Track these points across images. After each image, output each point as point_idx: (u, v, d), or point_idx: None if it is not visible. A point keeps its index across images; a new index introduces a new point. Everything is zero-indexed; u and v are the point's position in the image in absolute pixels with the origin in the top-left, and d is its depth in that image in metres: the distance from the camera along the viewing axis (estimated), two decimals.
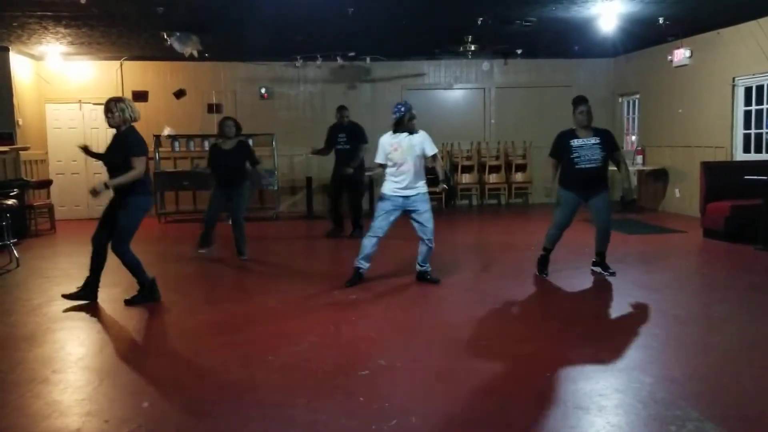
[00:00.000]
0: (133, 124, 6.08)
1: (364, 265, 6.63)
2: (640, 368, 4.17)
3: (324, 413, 3.57)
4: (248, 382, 4.07)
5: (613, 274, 6.79)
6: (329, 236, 9.90)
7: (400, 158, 6.42)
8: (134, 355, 4.67)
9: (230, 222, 8.22)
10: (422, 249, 6.62)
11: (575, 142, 6.61)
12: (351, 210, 9.92)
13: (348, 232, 9.86)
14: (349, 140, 9.66)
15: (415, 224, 6.54)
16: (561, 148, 6.70)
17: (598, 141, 6.60)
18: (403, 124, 6.45)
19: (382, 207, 6.53)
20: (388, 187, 6.50)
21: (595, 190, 6.62)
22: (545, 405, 3.68)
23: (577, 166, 6.55)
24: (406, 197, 6.46)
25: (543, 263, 6.90)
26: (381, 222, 6.50)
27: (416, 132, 6.50)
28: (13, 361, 4.55)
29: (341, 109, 9.86)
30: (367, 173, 9.67)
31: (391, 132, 6.52)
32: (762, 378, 4.04)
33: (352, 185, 9.83)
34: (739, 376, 4.05)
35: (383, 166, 6.55)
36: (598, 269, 6.90)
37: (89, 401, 3.81)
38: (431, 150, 6.51)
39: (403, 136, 6.45)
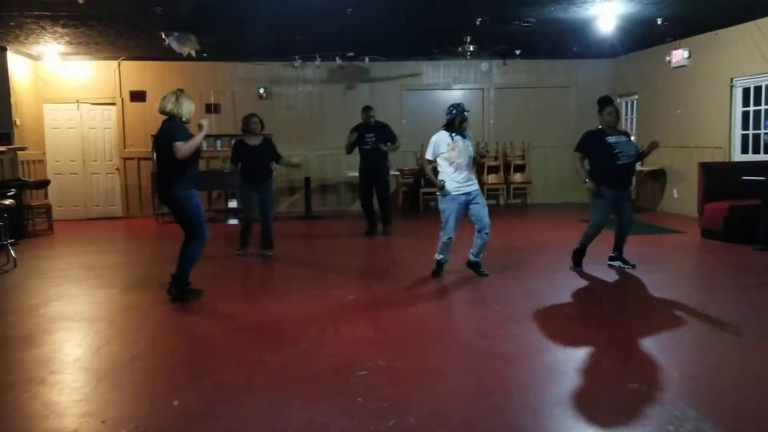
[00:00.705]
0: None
1: (445, 257, 6.87)
2: (638, 368, 4.17)
3: (322, 413, 3.56)
4: (246, 382, 4.06)
5: (633, 266, 7.05)
6: (367, 234, 9.97)
7: (457, 158, 6.63)
8: (132, 356, 4.66)
9: (260, 218, 8.31)
10: (477, 242, 6.79)
11: (612, 139, 6.82)
12: (381, 208, 9.97)
13: (379, 229, 9.98)
14: (377, 139, 9.71)
15: (473, 217, 6.74)
16: (593, 146, 6.87)
17: (629, 139, 6.99)
18: (454, 125, 6.68)
19: (449, 208, 6.68)
20: (452, 186, 6.65)
21: (627, 186, 6.97)
22: (542, 405, 3.68)
23: (618, 162, 6.77)
24: (467, 193, 6.68)
25: (579, 257, 7.07)
26: (452, 222, 6.70)
27: (468, 133, 6.79)
28: (11, 362, 4.55)
29: (368, 109, 9.88)
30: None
31: (444, 131, 6.73)
32: (760, 378, 4.04)
33: (382, 183, 9.94)
34: (737, 376, 4.05)
35: (432, 163, 6.79)
36: (617, 263, 7.13)
37: (86, 402, 3.80)
38: (474, 153, 6.87)
39: (459, 137, 6.67)
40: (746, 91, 10.20)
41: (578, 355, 4.50)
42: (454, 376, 4.15)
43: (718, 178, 9.00)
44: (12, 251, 8.03)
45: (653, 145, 7.02)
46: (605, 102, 7.02)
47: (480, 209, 6.72)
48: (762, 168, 8.63)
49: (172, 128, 5.88)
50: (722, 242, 8.51)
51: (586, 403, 3.66)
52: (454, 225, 6.72)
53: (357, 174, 12.58)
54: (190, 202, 5.98)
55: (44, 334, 5.26)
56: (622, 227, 7.05)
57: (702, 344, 4.73)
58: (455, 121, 6.69)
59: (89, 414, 3.63)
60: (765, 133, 9.95)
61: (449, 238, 6.75)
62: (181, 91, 6.10)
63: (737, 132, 10.34)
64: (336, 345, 4.84)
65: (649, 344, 4.74)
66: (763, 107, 9.91)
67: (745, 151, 10.26)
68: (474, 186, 6.76)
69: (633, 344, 4.75)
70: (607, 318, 5.47)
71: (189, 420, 3.55)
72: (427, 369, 4.29)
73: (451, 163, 6.66)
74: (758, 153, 10.02)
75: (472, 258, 6.90)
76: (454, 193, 6.65)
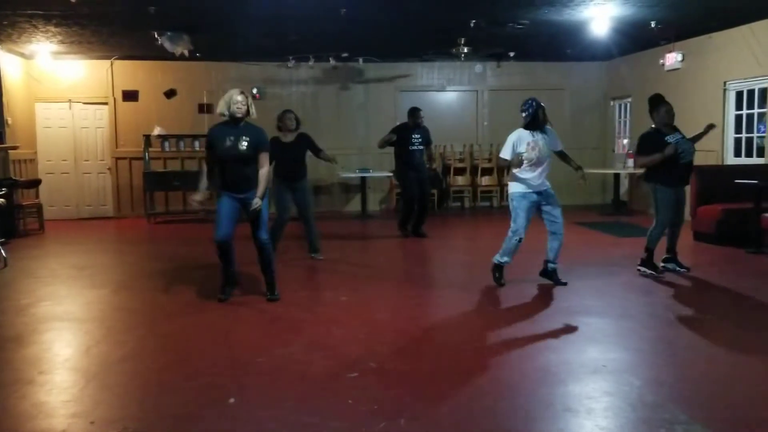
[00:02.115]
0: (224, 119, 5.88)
1: (509, 260, 6.50)
2: (630, 371, 4.17)
3: (313, 415, 3.54)
4: (237, 384, 4.04)
5: (687, 269, 6.99)
6: (408, 236, 9.82)
7: (537, 157, 6.26)
8: (121, 357, 4.63)
9: (301, 220, 8.10)
10: (554, 245, 6.45)
11: (671, 139, 6.72)
12: (424, 211, 9.86)
13: (406, 232, 9.85)
14: (423, 141, 9.66)
15: (548, 219, 6.41)
16: (653, 147, 6.73)
17: (683, 136, 6.84)
18: (539, 120, 6.31)
19: (521, 206, 6.34)
20: (523, 186, 6.33)
21: (686, 184, 6.93)
22: (534, 407, 3.66)
23: (682, 161, 6.72)
24: (540, 193, 6.35)
25: (650, 262, 6.88)
26: (524, 221, 6.35)
27: (548, 126, 6.42)
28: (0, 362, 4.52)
29: (417, 110, 9.73)
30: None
31: (524, 129, 6.34)
32: (750, 381, 4.04)
33: (428, 185, 9.92)
34: (728, 379, 4.05)
35: (513, 160, 6.34)
36: (672, 266, 7.02)
37: (75, 402, 3.78)
38: (561, 145, 6.50)
39: (540, 135, 6.32)
40: (739, 95, 10.23)
41: (571, 357, 4.49)
42: (446, 378, 4.13)
43: (711, 182, 9.00)
44: (2, 251, 7.98)
45: (710, 127, 6.86)
46: (661, 100, 6.85)
47: (554, 210, 6.38)
48: (755, 171, 8.65)
49: None
50: (715, 245, 8.52)
51: (577, 405, 3.65)
52: (525, 223, 6.33)
53: (351, 175, 12.72)
54: (217, 201, 5.94)
55: (34, 334, 5.22)
56: (676, 227, 6.95)
57: (693, 347, 4.73)
58: (539, 116, 6.26)
59: (78, 414, 3.60)
60: (759, 137, 9.97)
61: (520, 240, 6.35)
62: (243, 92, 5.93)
63: (730, 135, 10.36)
64: (327, 346, 4.82)
65: (640, 347, 4.74)
66: (756, 110, 9.93)
67: (738, 154, 10.28)
68: (548, 185, 6.40)
69: (624, 347, 4.75)
70: (598, 320, 5.46)
71: (178, 421, 3.52)
72: (419, 370, 4.27)
73: (530, 164, 6.26)
74: (751, 156, 10.05)
75: (549, 266, 6.54)
76: (525, 191, 6.32)
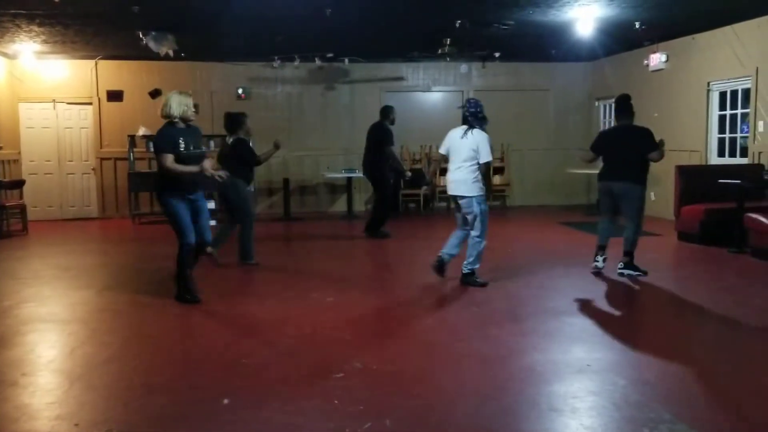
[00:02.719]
0: (175, 120, 5.83)
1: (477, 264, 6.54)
2: (614, 370, 4.19)
3: (299, 416, 3.54)
4: (222, 385, 4.02)
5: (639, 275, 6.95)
6: (386, 236, 9.80)
7: None
8: (106, 358, 4.60)
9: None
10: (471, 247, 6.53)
11: None
12: (390, 210, 9.93)
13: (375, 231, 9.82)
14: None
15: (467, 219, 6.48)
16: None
17: None
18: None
19: (487, 210, 6.41)
20: (480, 187, 6.35)
21: None
22: (520, 407, 3.68)
23: None
24: None
25: (634, 264, 6.94)
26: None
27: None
28: None
29: (392, 109, 9.78)
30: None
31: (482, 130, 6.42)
32: (734, 380, 4.07)
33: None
34: (711, 378, 4.08)
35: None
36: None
37: (59, 404, 3.75)
38: None
39: None
40: (723, 95, 10.31)
41: (556, 357, 4.51)
42: (432, 378, 4.14)
43: (694, 182, 9.07)
44: None
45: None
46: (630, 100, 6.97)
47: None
48: (738, 171, 8.73)
49: (157, 132, 5.92)
50: (698, 245, 8.58)
51: (561, 405, 3.67)
52: None
53: (337, 175, 12.72)
54: (167, 208, 5.86)
55: (17, 336, 5.17)
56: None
57: (677, 346, 4.77)
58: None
59: (62, 417, 3.57)
60: (742, 137, 10.06)
61: (485, 240, 6.46)
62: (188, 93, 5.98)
63: (714, 135, 10.44)
64: (313, 347, 4.81)
65: (624, 347, 4.77)
66: (739, 111, 10.02)
67: (721, 154, 10.37)
68: None
69: (608, 347, 4.78)
70: (582, 320, 5.48)
71: (164, 423, 3.51)
72: (404, 371, 4.28)
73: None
74: (734, 156, 10.13)
75: (469, 267, 6.55)
76: (483, 194, 6.37)
